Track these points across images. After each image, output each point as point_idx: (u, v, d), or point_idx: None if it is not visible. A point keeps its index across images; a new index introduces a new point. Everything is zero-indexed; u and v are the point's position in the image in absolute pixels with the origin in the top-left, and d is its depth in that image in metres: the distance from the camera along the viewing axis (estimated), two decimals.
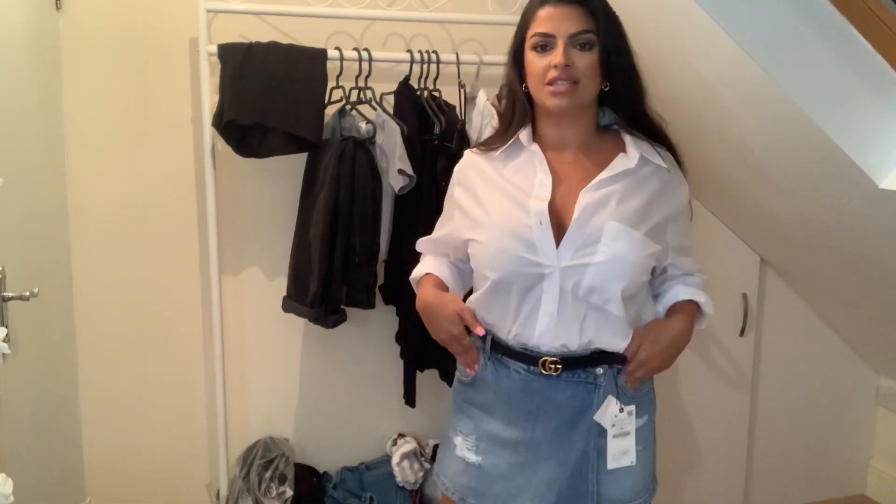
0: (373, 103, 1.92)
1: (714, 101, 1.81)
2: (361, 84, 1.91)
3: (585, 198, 1.28)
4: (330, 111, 1.91)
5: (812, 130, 1.58)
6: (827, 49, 1.55)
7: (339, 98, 1.91)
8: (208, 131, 1.90)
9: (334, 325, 1.90)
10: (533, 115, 1.37)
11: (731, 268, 2.35)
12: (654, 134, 1.36)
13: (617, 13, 1.31)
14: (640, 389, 1.36)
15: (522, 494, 1.34)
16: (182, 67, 1.98)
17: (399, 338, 2.09)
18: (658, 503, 1.43)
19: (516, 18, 1.37)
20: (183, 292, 2.07)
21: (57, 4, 1.87)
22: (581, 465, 1.32)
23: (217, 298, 1.99)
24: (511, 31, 1.37)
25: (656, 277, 1.43)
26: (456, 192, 1.44)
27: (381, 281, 2.04)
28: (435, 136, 1.93)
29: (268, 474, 2.00)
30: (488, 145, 1.41)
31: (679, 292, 1.40)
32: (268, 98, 1.80)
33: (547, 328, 1.28)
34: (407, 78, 1.96)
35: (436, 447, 2.11)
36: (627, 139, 1.35)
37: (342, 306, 1.92)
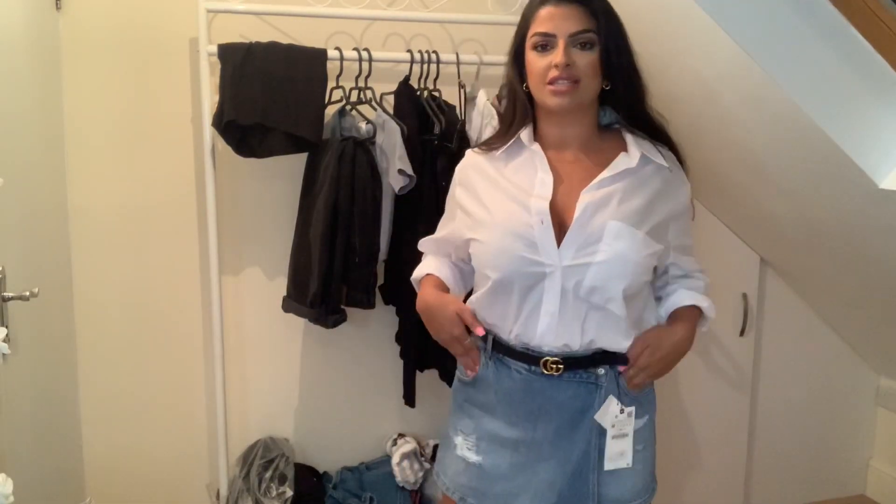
0: (373, 103, 1.92)
1: (714, 101, 1.81)
2: (361, 84, 1.91)
3: (587, 197, 1.28)
4: (330, 111, 1.91)
5: (812, 130, 1.58)
6: (827, 49, 1.55)
7: (339, 98, 1.91)
8: (208, 131, 1.90)
9: (334, 325, 1.90)
10: (534, 115, 1.37)
11: (731, 268, 2.35)
12: (655, 133, 1.36)
13: (617, 13, 1.31)
14: (642, 391, 1.36)
15: (523, 494, 1.34)
16: (182, 67, 1.98)
17: (399, 338, 2.09)
18: (658, 503, 1.43)
19: (516, 18, 1.37)
20: (183, 292, 2.07)
21: (57, 4, 1.87)
22: (582, 466, 1.32)
23: (217, 298, 1.99)
24: (511, 31, 1.37)
25: (658, 278, 1.43)
26: (457, 192, 1.44)
27: (381, 281, 2.04)
28: (435, 136, 1.93)
29: (268, 474, 2.00)
30: (489, 145, 1.41)
31: (682, 297, 1.40)
32: (268, 98, 1.80)
33: (548, 328, 1.28)
34: (407, 78, 1.96)
35: (436, 447, 2.11)
36: (629, 138, 1.35)
37: (342, 306, 1.92)
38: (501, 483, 1.36)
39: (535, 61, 1.29)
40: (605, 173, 1.30)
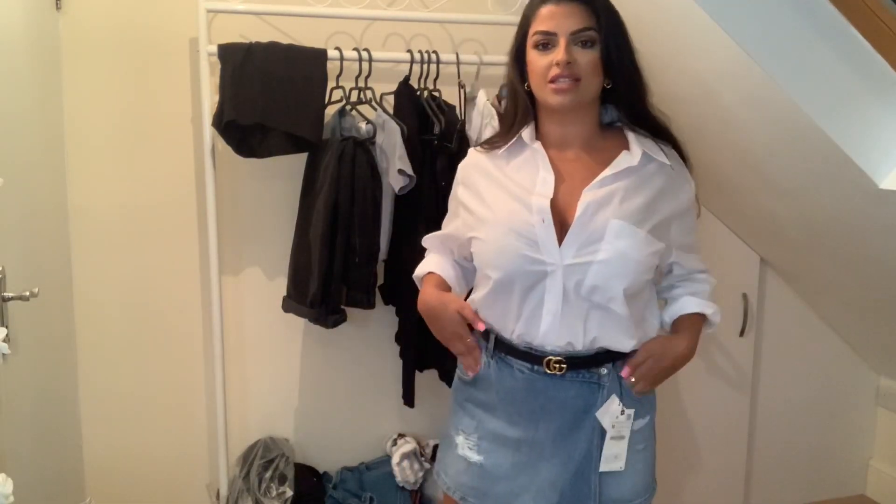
0: (373, 103, 1.92)
1: (714, 101, 1.81)
2: (361, 84, 1.91)
3: (588, 196, 1.28)
4: (330, 111, 1.91)
5: (812, 130, 1.58)
6: (827, 49, 1.55)
7: (339, 98, 1.91)
8: (208, 131, 1.90)
9: (334, 325, 1.90)
10: (535, 114, 1.37)
11: (731, 268, 2.35)
12: (657, 131, 1.36)
13: (618, 11, 1.31)
14: (646, 394, 1.37)
15: (524, 494, 1.34)
16: (182, 67, 1.98)
17: (399, 338, 2.09)
18: (658, 503, 1.43)
19: (516, 18, 1.37)
20: (183, 292, 2.07)
21: (57, 4, 1.87)
22: (584, 466, 1.32)
23: (217, 298, 1.99)
24: (511, 31, 1.37)
25: (662, 278, 1.43)
26: (459, 191, 1.45)
27: (381, 281, 2.05)
28: (435, 136, 1.93)
29: (268, 474, 2.00)
30: (492, 144, 1.41)
31: (686, 304, 1.41)
32: (268, 98, 1.80)
33: (551, 327, 1.28)
34: (407, 78, 1.96)
35: (436, 447, 2.11)
36: (631, 136, 1.35)
37: (342, 306, 1.92)
38: (503, 483, 1.36)
39: (537, 60, 1.29)
40: (607, 172, 1.30)
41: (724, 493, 2.49)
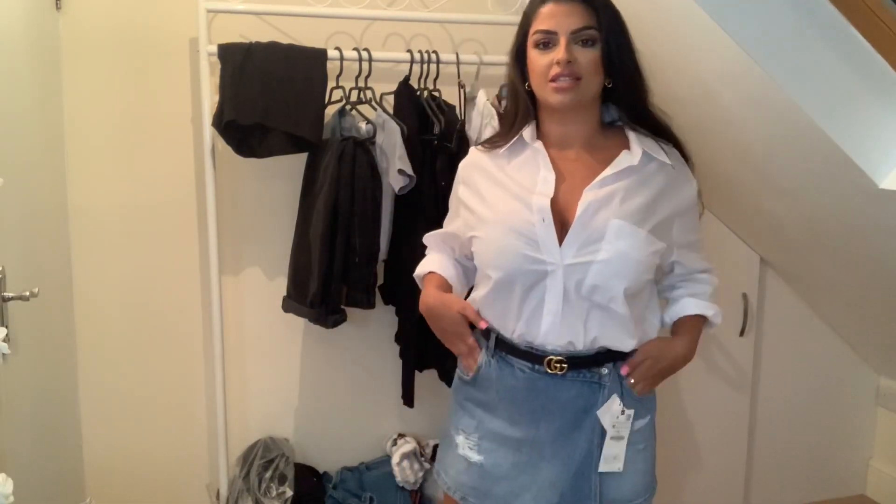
0: (373, 103, 1.92)
1: (714, 102, 1.81)
2: (361, 84, 1.91)
3: (589, 195, 1.28)
4: (330, 111, 1.91)
5: (812, 130, 1.58)
6: (827, 49, 1.55)
7: (339, 98, 1.91)
8: (208, 131, 1.90)
9: (334, 325, 1.90)
10: (536, 114, 1.37)
11: (731, 268, 2.35)
12: (658, 130, 1.36)
13: (618, 10, 1.31)
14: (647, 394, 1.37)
15: (525, 494, 1.34)
16: (182, 67, 1.98)
17: (398, 338, 2.09)
18: (658, 503, 1.43)
19: (516, 18, 1.37)
20: (183, 292, 2.07)
21: (57, 4, 1.87)
22: (584, 466, 1.32)
23: (217, 298, 1.99)
24: (511, 31, 1.37)
25: (664, 277, 1.43)
26: (460, 190, 1.45)
27: (380, 281, 2.04)
28: (435, 136, 1.93)
29: (268, 474, 2.00)
30: (493, 143, 1.41)
31: (687, 306, 1.41)
32: (268, 98, 1.80)
33: (552, 327, 1.28)
34: (407, 78, 1.96)
35: (436, 447, 2.11)
36: (631, 136, 1.35)
37: (342, 306, 1.92)
38: (503, 483, 1.36)
39: (537, 59, 1.29)
40: (608, 171, 1.30)
41: (724, 493, 2.49)
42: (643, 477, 1.37)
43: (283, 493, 1.97)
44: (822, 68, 1.55)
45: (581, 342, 1.29)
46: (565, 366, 1.30)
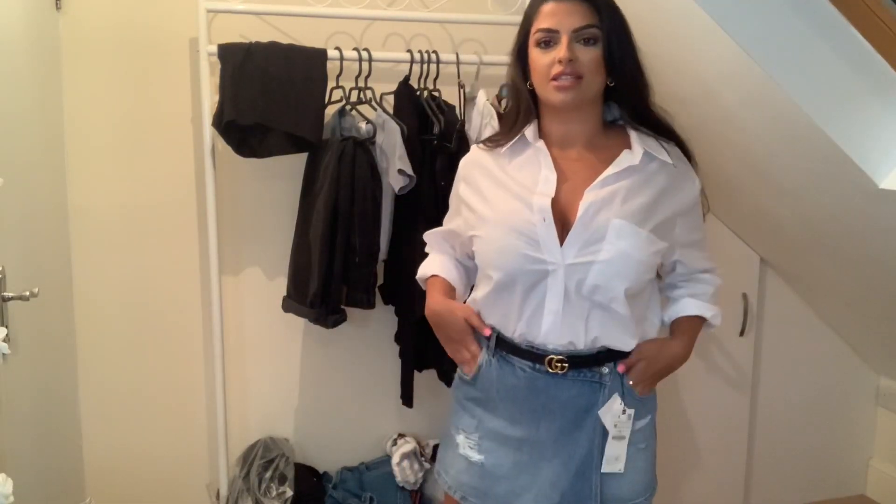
0: (373, 103, 1.92)
1: (714, 102, 1.81)
2: (361, 84, 1.91)
3: (590, 195, 1.27)
4: (330, 111, 1.91)
5: (812, 130, 1.58)
6: (827, 49, 1.55)
7: (339, 98, 1.91)
8: (208, 131, 1.90)
9: (334, 325, 1.90)
10: (538, 113, 1.37)
11: (731, 268, 2.33)
12: (660, 129, 1.36)
13: (620, 9, 1.31)
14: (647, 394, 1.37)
15: (525, 494, 1.34)
16: (182, 67, 1.98)
17: (398, 338, 2.09)
18: (658, 503, 1.43)
19: (516, 18, 1.37)
20: (183, 292, 2.07)
21: (57, 4, 1.87)
22: (585, 465, 1.32)
23: (217, 298, 1.99)
24: (511, 31, 1.37)
25: (665, 275, 1.43)
26: (461, 187, 1.45)
27: (380, 281, 2.04)
28: (434, 136, 1.93)
29: (268, 474, 2.00)
30: (494, 141, 1.41)
31: (686, 306, 1.41)
32: (268, 98, 1.80)
33: (552, 326, 1.28)
34: (407, 78, 1.96)
35: (436, 447, 2.11)
36: (633, 135, 1.34)
37: (342, 306, 1.92)
38: (504, 482, 1.36)
39: (539, 58, 1.29)
40: (609, 171, 1.29)
41: (724, 493, 2.49)
42: (643, 476, 1.37)
43: (283, 493, 1.97)
44: (822, 68, 1.55)
45: (582, 342, 1.29)
46: (566, 365, 1.29)
